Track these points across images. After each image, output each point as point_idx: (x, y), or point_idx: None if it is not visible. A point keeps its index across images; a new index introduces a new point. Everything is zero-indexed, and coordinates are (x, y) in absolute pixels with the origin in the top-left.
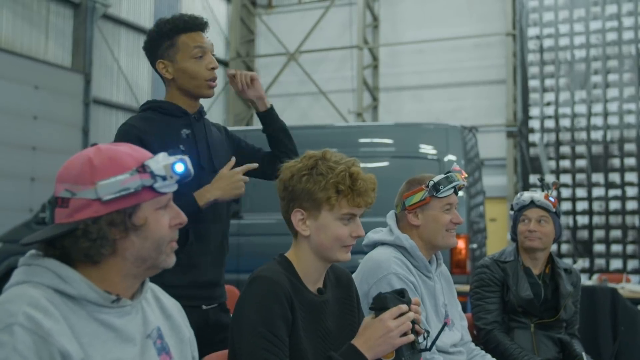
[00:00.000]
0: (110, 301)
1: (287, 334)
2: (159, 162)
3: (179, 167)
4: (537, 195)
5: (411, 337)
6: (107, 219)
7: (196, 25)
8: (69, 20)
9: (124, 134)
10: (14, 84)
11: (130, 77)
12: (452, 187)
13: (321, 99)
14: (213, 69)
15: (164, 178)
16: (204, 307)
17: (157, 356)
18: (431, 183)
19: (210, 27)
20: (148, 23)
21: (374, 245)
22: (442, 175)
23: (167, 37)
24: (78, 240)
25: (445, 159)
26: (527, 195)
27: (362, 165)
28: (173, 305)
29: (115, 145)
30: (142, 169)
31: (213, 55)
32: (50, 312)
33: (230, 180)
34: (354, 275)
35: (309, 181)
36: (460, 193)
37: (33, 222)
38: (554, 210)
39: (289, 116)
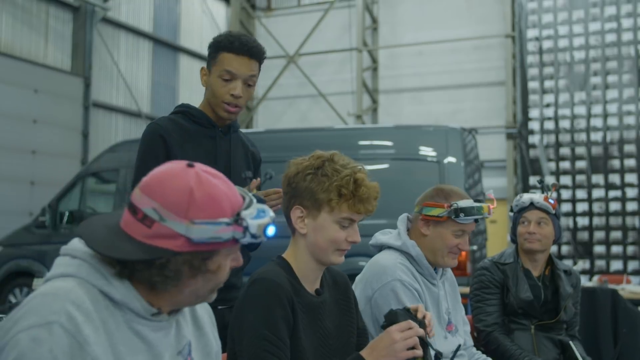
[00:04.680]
0: (150, 313)
1: (288, 336)
2: (254, 217)
3: (271, 231)
4: (537, 197)
5: (417, 352)
6: (186, 258)
7: (239, 50)
8: (68, 23)
9: (149, 132)
10: (13, 87)
11: (130, 80)
12: (474, 219)
13: (321, 102)
14: (233, 95)
15: (253, 236)
16: (220, 307)
17: None
18: (454, 206)
19: (256, 53)
20: (147, 26)
21: (381, 247)
22: (469, 203)
23: (215, 50)
24: (151, 267)
25: (445, 160)
26: (526, 197)
27: None
28: (205, 313)
29: (212, 176)
30: (238, 221)
31: (250, 85)
32: (92, 317)
33: None
34: (358, 278)
35: (312, 180)
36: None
37: (33, 226)
38: (553, 211)
39: (289, 119)
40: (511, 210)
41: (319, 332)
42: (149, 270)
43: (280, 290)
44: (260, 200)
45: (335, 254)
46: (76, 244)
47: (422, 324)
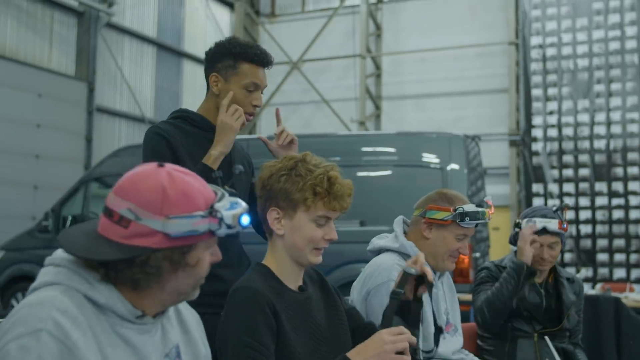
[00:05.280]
0: (135, 316)
1: (273, 342)
2: (227, 208)
3: (245, 220)
4: (551, 225)
5: (406, 358)
6: (165, 253)
7: (263, 62)
8: (72, 28)
9: (153, 134)
10: (17, 92)
11: (134, 85)
12: (476, 223)
13: (324, 108)
14: (255, 106)
15: (229, 227)
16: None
17: None
18: (460, 210)
19: (271, 63)
20: (151, 32)
21: (379, 251)
22: (473, 208)
23: (233, 58)
24: (132, 266)
25: (448, 167)
26: (540, 224)
27: (364, 173)
28: (192, 318)
29: (185, 174)
30: (212, 213)
31: (262, 93)
32: (79, 321)
33: (229, 119)
34: (355, 281)
35: (287, 181)
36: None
37: (36, 230)
38: (565, 233)
39: (292, 125)
40: (517, 226)
41: (309, 327)
42: (130, 270)
43: (260, 296)
44: (232, 194)
45: (313, 253)
46: (59, 254)
47: (412, 324)
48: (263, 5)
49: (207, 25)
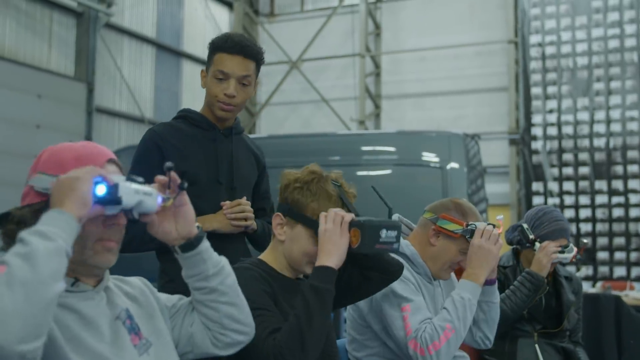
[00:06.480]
0: (70, 284)
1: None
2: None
3: (100, 190)
4: (566, 260)
5: (348, 215)
6: (35, 207)
7: (229, 47)
8: (72, 29)
9: (146, 139)
10: (16, 93)
11: (133, 85)
12: None
13: (323, 107)
14: (226, 95)
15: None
16: None
17: (128, 335)
18: (472, 227)
19: (250, 52)
20: (151, 32)
21: None
22: (485, 227)
23: (211, 51)
24: (7, 223)
25: (448, 166)
26: (556, 259)
27: (364, 173)
28: (135, 285)
29: (83, 145)
30: None
31: (245, 85)
32: None
33: (225, 216)
34: None
35: (299, 193)
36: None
37: None
38: None
39: (292, 124)
40: (531, 242)
41: None
42: (8, 229)
43: (252, 271)
44: (131, 179)
45: (309, 265)
46: None
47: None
48: (262, 4)
49: (207, 25)
